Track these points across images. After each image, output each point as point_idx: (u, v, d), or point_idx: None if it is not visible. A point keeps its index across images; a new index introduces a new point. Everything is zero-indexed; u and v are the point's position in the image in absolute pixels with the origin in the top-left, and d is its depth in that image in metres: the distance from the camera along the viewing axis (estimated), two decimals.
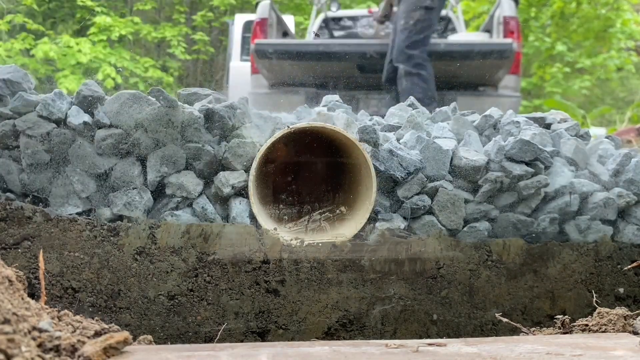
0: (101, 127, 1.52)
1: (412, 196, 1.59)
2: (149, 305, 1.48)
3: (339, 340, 1.50)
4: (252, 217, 1.54)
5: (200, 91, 1.72)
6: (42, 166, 1.51)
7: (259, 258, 1.50)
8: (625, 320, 1.25)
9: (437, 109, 1.95)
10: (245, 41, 6.85)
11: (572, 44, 12.18)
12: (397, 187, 1.60)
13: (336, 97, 2.06)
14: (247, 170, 1.57)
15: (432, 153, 1.62)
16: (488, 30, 5.29)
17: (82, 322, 1.12)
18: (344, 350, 1.06)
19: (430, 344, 1.10)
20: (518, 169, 1.59)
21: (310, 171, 1.85)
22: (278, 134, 1.55)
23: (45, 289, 1.42)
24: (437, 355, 1.04)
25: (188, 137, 1.54)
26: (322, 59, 4.43)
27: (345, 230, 1.59)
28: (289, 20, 7.23)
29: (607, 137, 1.88)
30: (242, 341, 1.50)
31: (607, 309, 1.30)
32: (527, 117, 1.84)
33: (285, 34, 5.56)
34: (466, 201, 1.60)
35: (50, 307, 1.19)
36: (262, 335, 1.52)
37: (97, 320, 1.21)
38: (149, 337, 1.17)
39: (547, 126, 1.85)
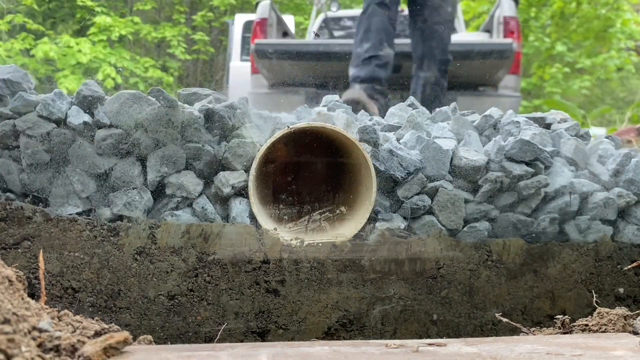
0: (101, 127, 1.52)
1: (412, 196, 1.59)
2: (149, 305, 1.48)
3: (339, 340, 1.50)
4: (252, 217, 1.54)
5: (200, 91, 1.72)
6: (42, 166, 1.51)
7: (259, 258, 1.50)
8: (625, 320, 1.25)
9: (437, 109, 1.95)
10: (245, 41, 6.85)
11: (572, 44, 12.19)
12: (397, 187, 1.60)
13: (336, 97, 2.06)
14: (247, 170, 1.57)
15: (432, 153, 1.62)
16: (488, 30, 5.29)
17: (82, 322, 1.12)
18: (344, 350, 1.06)
19: (430, 344, 1.10)
20: (518, 169, 1.59)
21: (310, 171, 1.85)
22: (278, 134, 1.55)
23: (45, 289, 1.42)
24: (437, 355, 1.04)
25: (188, 137, 1.55)
26: (322, 59, 4.43)
27: (345, 230, 1.59)
28: (289, 20, 7.24)
29: (607, 137, 1.88)
30: (242, 341, 1.50)
31: (607, 309, 1.30)
32: (527, 117, 1.84)
33: (285, 34, 5.56)
34: (466, 201, 1.60)
35: (50, 307, 1.19)
36: (262, 335, 1.52)
37: (97, 320, 1.21)
38: (149, 337, 1.17)
39: (547, 126, 1.85)
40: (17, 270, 1.17)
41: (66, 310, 1.18)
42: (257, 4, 5.42)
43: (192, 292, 1.49)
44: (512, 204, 1.61)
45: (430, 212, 1.60)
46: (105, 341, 0.98)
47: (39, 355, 0.85)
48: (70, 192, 1.51)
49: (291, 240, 1.53)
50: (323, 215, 1.70)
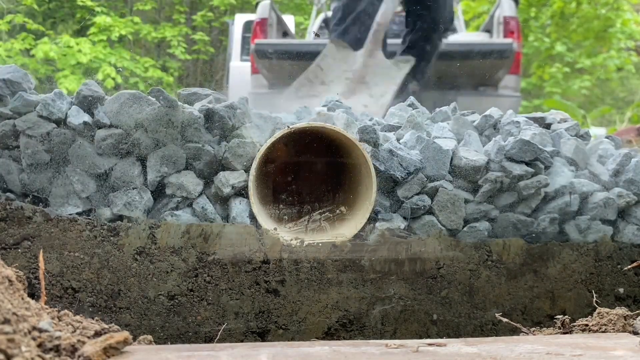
0: (101, 127, 1.52)
1: (412, 196, 1.59)
2: (149, 305, 1.48)
3: (339, 340, 1.50)
4: (252, 217, 1.54)
5: (200, 91, 1.72)
6: (42, 166, 1.51)
7: (259, 258, 1.50)
8: (625, 320, 1.25)
9: (437, 109, 1.95)
10: (245, 41, 6.85)
11: (572, 44, 12.19)
12: (397, 187, 1.60)
13: (336, 97, 2.06)
14: (247, 170, 1.57)
15: (432, 153, 1.62)
16: (488, 30, 5.29)
17: (82, 322, 1.12)
18: (344, 350, 1.06)
19: (430, 344, 1.10)
20: (518, 169, 1.59)
21: (310, 171, 1.85)
22: (278, 134, 1.55)
23: (45, 289, 1.42)
24: (437, 355, 1.04)
25: (188, 137, 1.55)
26: None
27: (345, 230, 1.59)
28: (289, 20, 7.24)
29: (607, 137, 1.88)
30: (242, 341, 1.50)
31: (607, 309, 1.30)
32: (527, 117, 1.84)
33: (285, 34, 5.56)
34: (466, 201, 1.60)
35: (50, 307, 1.19)
36: (262, 335, 1.52)
37: (97, 320, 1.21)
38: (149, 337, 1.17)
39: (547, 126, 1.85)
40: (17, 270, 1.17)
41: (66, 310, 1.18)
42: (257, 4, 5.42)
43: (192, 292, 1.49)
44: (512, 204, 1.61)
45: (430, 212, 1.60)
46: (105, 341, 0.98)
47: (39, 355, 0.85)
48: (70, 192, 1.51)
49: (291, 240, 1.53)
50: (323, 215, 1.70)
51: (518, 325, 1.42)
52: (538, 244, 1.60)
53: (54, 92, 1.53)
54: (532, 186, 1.60)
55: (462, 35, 5.75)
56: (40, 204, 1.51)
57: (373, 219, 1.57)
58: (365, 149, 1.57)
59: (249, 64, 5.24)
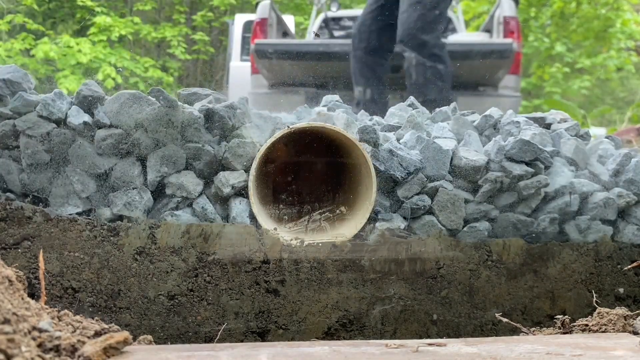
0: (101, 127, 1.52)
1: (412, 196, 1.59)
2: (149, 305, 1.48)
3: (339, 340, 1.50)
4: (252, 217, 1.54)
5: (200, 91, 1.72)
6: (42, 166, 1.51)
7: (259, 258, 1.50)
8: (625, 320, 1.25)
9: (437, 109, 1.95)
10: (245, 41, 6.85)
11: (571, 44, 12.19)
12: (397, 187, 1.60)
13: (336, 97, 2.06)
14: (247, 170, 1.57)
15: (432, 153, 1.62)
16: (488, 30, 5.29)
17: (82, 322, 1.12)
18: (344, 350, 1.06)
19: (430, 344, 1.10)
20: (518, 169, 1.59)
21: (310, 171, 1.85)
22: (278, 134, 1.55)
23: (45, 289, 1.42)
24: (437, 355, 1.04)
25: (188, 137, 1.55)
26: (322, 59, 4.43)
27: (345, 230, 1.59)
28: (289, 20, 7.25)
29: (607, 137, 1.88)
30: (242, 341, 1.50)
31: (607, 309, 1.30)
32: (527, 117, 1.84)
33: (285, 34, 5.57)
34: (466, 201, 1.60)
35: (50, 307, 1.19)
36: (262, 335, 1.52)
37: (97, 320, 1.21)
38: (149, 337, 1.17)
39: (547, 126, 1.85)
40: (17, 270, 1.17)
41: (66, 310, 1.18)
42: (257, 4, 5.42)
43: (192, 292, 1.49)
44: (512, 204, 1.61)
45: (430, 212, 1.60)
46: (105, 341, 0.98)
47: (39, 355, 0.85)
48: (70, 192, 1.51)
49: (291, 240, 1.53)
50: (323, 215, 1.70)
51: (518, 325, 1.41)
52: (538, 244, 1.60)
53: (54, 92, 1.53)
54: (532, 186, 1.60)
55: (462, 35, 5.75)
56: (40, 204, 1.51)
57: (373, 219, 1.57)
58: (365, 149, 1.57)
59: (249, 64, 5.25)
